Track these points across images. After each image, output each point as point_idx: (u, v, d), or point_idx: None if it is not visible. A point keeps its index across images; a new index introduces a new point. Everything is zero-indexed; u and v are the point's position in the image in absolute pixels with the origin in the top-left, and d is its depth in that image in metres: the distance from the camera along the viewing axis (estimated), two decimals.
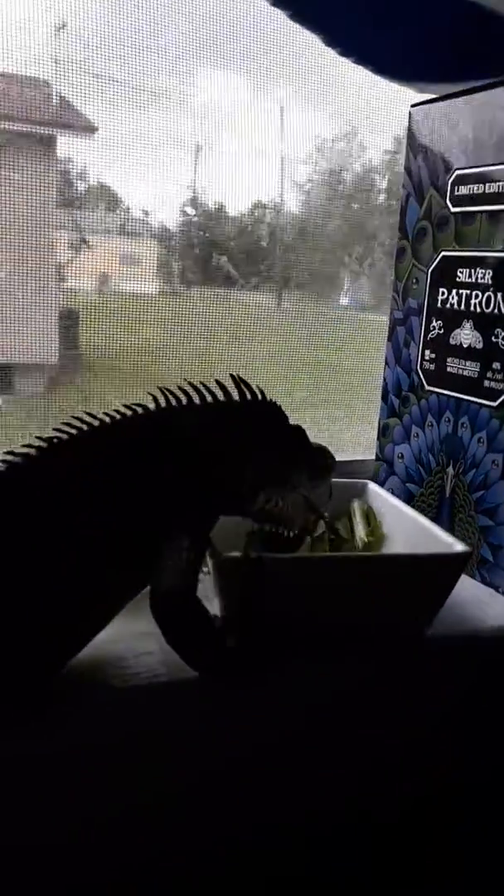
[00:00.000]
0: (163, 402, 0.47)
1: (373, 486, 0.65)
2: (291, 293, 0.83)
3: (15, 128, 0.65)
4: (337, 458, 0.78)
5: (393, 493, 0.71)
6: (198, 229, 0.75)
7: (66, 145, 0.68)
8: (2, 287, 0.68)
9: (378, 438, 0.75)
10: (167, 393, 0.47)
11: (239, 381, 0.49)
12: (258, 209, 0.79)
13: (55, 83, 0.65)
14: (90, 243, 0.73)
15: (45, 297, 0.71)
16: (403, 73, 0.64)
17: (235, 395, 0.50)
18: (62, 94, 0.66)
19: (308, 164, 0.81)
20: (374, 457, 0.76)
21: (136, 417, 0.45)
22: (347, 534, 0.63)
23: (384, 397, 0.73)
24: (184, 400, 0.48)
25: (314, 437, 0.54)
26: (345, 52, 0.62)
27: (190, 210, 0.74)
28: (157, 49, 0.67)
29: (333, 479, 0.65)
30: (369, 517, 0.63)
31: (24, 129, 0.65)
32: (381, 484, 0.74)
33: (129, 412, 0.45)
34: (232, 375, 0.50)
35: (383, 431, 0.74)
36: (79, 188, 0.71)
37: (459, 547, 0.51)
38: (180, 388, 0.48)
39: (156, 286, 0.76)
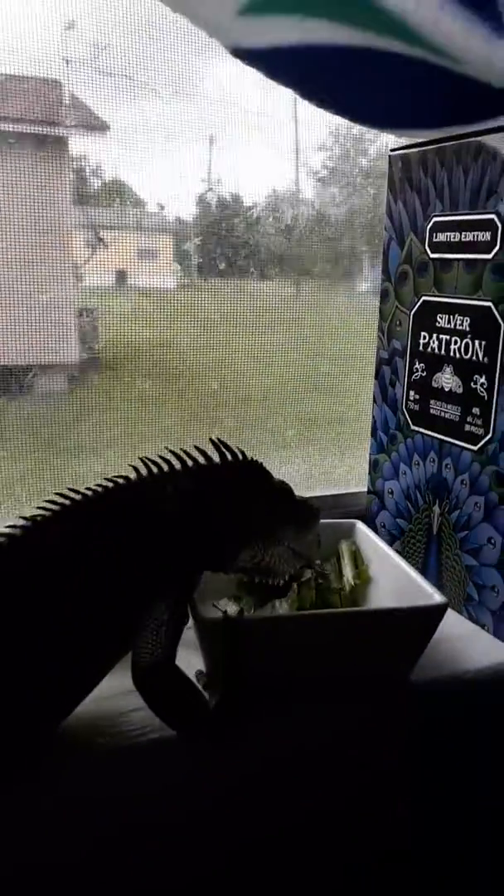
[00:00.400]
0: (144, 472, 0.49)
1: (361, 527, 0.67)
2: (310, 282, 0.84)
3: (28, 129, 0.66)
4: (334, 492, 0.80)
5: (385, 527, 0.73)
6: (214, 221, 0.76)
7: (79, 144, 0.69)
8: (20, 288, 0.69)
9: (369, 472, 0.76)
10: (148, 462, 0.49)
11: (219, 444, 0.51)
12: (274, 198, 0.80)
13: (66, 82, 0.66)
14: (107, 240, 0.74)
15: (64, 296, 0.73)
16: (381, 124, 0.65)
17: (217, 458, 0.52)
18: (74, 93, 0.67)
19: (323, 150, 0.82)
20: (366, 489, 0.78)
21: (115, 490, 0.47)
22: (336, 574, 0.65)
23: (373, 433, 0.75)
24: (165, 467, 0.50)
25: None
26: (321, 105, 0.63)
27: (205, 202, 0.76)
28: (167, 43, 0.67)
29: (323, 520, 0.67)
30: (357, 559, 0.65)
31: (37, 130, 0.66)
32: (374, 517, 0.76)
33: (110, 485, 0.48)
34: (212, 439, 0.52)
35: (374, 466, 0.75)
36: (93, 186, 0.72)
37: (438, 598, 0.52)
38: (161, 457, 0.50)
39: (174, 280, 0.77)
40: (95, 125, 0.70)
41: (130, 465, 0.49)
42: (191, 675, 0.51)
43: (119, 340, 0.76)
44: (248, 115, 0.74)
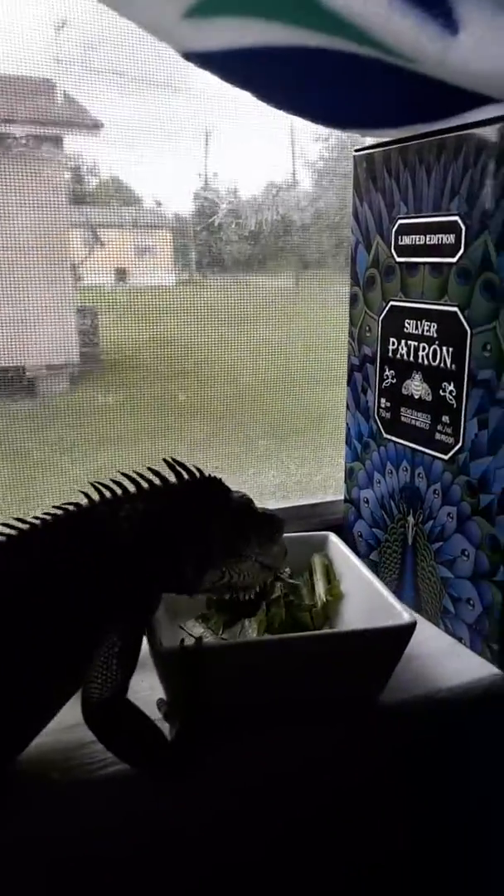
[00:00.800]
0: (96, 497, 0.48)
1: (333, 539, 0.65)
2: (308, 274, 0.82)
3: (21, 130, 0.65)
4: (311, 501, 0.78)
5: (362, 536, 0.71)
6: (211, 215, 0.74)
7: (74, 143, 0.69)
8: (20, 289, 0.68)
9: (345, 480, 0.74)
10: (100, 487, 0.48)
11: (173, 464, 0.50)
12: (271, 190, 0.78)
13: (59, 81, 0.65)
14: (105, 238, 0.73)
15: (63, 296, 0.72)
16: (341, 124, 0.63)
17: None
18: (67, 92, 0.66)
19: (319, 141, 0.80)
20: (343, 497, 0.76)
21: (64, 518, 0.46)
22: (308, 589, 0.63)
23: (348, 441, 0.73)
24: (119, 491, 0.48)
25: None
26: (278, 106, 0.61)
27: (202, 196, 0.74)
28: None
29: (297, 533, 0.66)
30: (329, 573, 0.63)
31: (30, 130, 0.66)
32: (351, 527, 0.74)
33: (59, 512, 0.46)
34: (165, 459, 0.50)
35: (349, 474, 0.73)
36: (90, 184, 0.71)
37: (406, 617, 0.51)
38: (113, 481, 0.48)
39: (173, 276, 0.76)
40: (89, 123, 0.69)
41: (81, 491, 0.48)
42: (153, 703, 0.50)
43: (119, 339, 0.74)
44: (242, 106, 0.72)
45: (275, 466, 0.81)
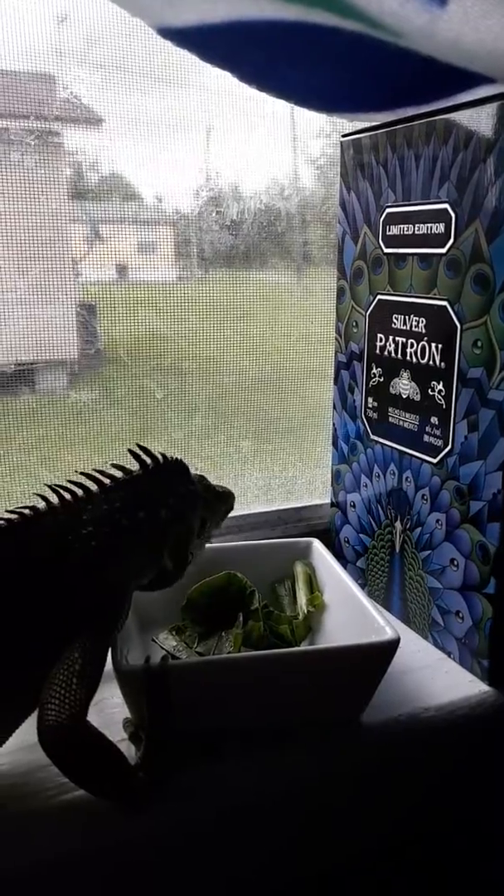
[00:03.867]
0: (54, 500, 0.44)
1: (317, 546, 0.62)
2: (310, 269, 0.79)
3: (21, 125, 0.64)
4: (296, 505, 0.75)
5: (350, 542, 0.68)
6: (213, 211, 0.71)
7: (74, 138, 0.67)
8: (19, 286, 0.66)
9: (332, 484, 0.71)
10: (58, 490, 0.44)
11: (137, 453, 0.48)
12: (274, 186, 0.75)
13: (60, 76, 0.63)
14: (106, 234, 0.71)
15: (63, 292, 0.70)
16: (326, 106, 0.60)
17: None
18: (68, 87, 0.64)
19: (321, 137, 0.77)
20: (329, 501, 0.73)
21: (18, 524, 0.42)
22: (290, 599, 0.60)
23: (334, 442, 0.70)
24: (80, 492, 0.45)
25: None
26: (260, 88, 0.57)
27: (204, 193, 0.71)
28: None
29: (280, 539, 0.63)
30: (312, 582, 0.60)
31: (31, 125, 0.64)
32: (338, 531, 0.71)
33: (13, 517, 0.43)
34: (130, 449, 0.47)
35: (336, 477, 0.70)
36: (90, 180, 0.69)
37: (389, 633, 0.47)
38: (71, 482, 0.45)
39: (175, 272, 0.74)
40: (90, 119, 0.67)
41: (36, 494, 0.44)
42: (121, 720, 0.47)
43: (118, 334, 0.72)
44: (244, 102, 0.70)
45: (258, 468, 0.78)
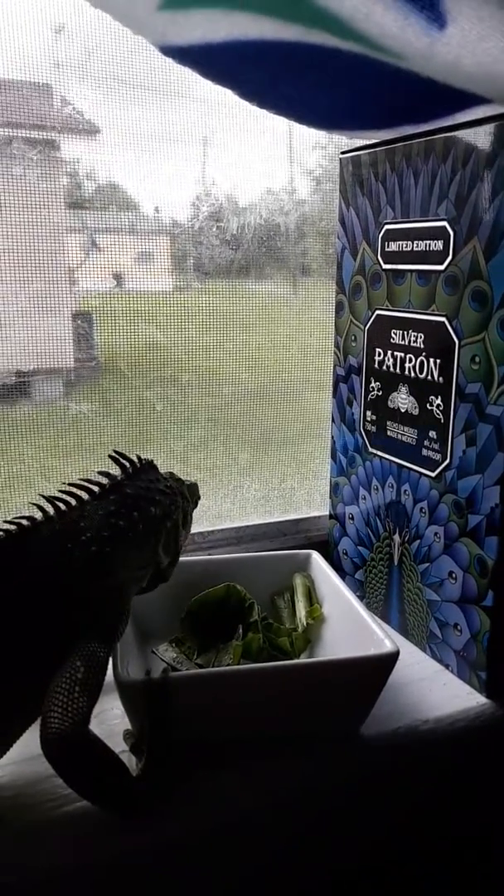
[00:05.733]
0: (50, 510, 0.45)
1: (316, 558, 0.62)
2: (309, 282, 0.80)
3: (19, 134, 0.64)
4: (295, 517, 0.76)
5: (348, 555, 0.68)
6: (210, 222, 0.72)
7: (71, 148, 0.68)
8: (16, 296, 0.67)
9: (330, 496, 0.72)
10: (53, 500, 0.45)
11: (117, 458, 0.50)
12: (269, 197, 0.76)
13: (57, 86, 0.64)
14: (102, 244, 0.72)
15: (60, 302, 0.70)
16: (326, 124, 0.61)
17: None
18: (64, 97, 0.65)
19: (317, 149, 0.78)
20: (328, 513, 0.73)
21: (16, 535, 0.43)
22: (289, 612, 0.60)
23: (333, 455, 0.70)
24: (73, 502, 0.46)
25: None
26: (260, 105, 0.58)
27: (201, 203, 0.72)
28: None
29: (279, 552, 0.64)
30: (311, 595, 0.60)
31: (28, 134, 0.64)
32: (336, 543, 0.71)
33: (12, 528, 0.43)
34: (110, 455, 0.49)
35: (334, 489, 0.71)
36: (87, 190, 0.70)
37: (388, 646, 0.48)
38: (62, 492, 0.46)
39: (171, 282, 0.74)
40: (86, 129, 0.67)
41: (32, 504, 0.45)
42: (122, 732, 0.47)
43: (114, 344, 0.72)
44: (241, 114, 0.71)
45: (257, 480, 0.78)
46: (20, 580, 0.42)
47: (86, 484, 0.47)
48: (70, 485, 0.47)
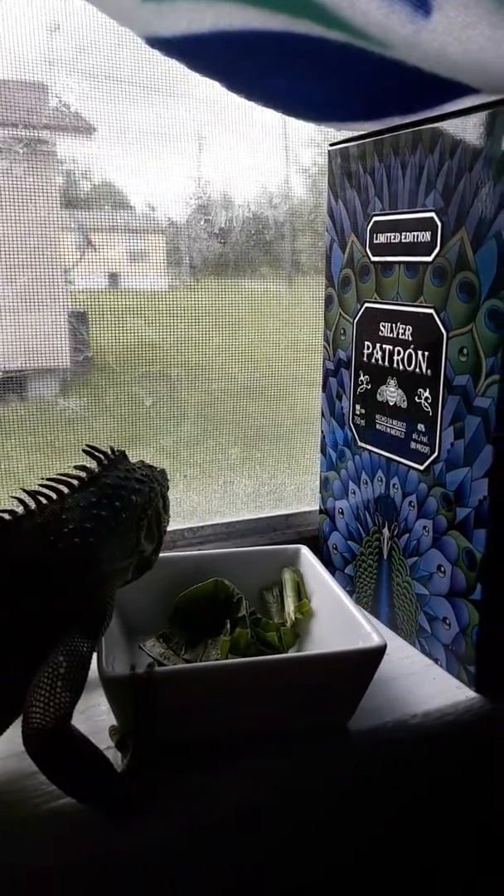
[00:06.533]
0: (31, 503, 0.45)
1: (305, 553, 0.62)
2: (301, 278, 0.79)
3: (12, 133, 0.64)
4: (285, 512, 0.75)
5: (338, 549, 0.68)
6: (205, 220, 0.72)
7: (66, 147, 0.67)
8: (9, 293, 0.66)
9: (320, 491, 0.71)
10: (33, 494, 0.45)
11: (91, 451, 0.49)
12: (265, 195, 0.75)
13: (51, 85, 0.64)
14: (97, 242, 0.71)
15: (54, 300, 0.70)
16: (315, 115, 0.60)
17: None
18: (59, 96, 0.65)
19: (311, 146, 0.77)
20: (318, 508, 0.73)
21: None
22: (278, 606, 0.60)
23: (322, 449, 0.70)
24: (53, 495, 0.46)
25: None
26: (248, 97, 0.58)
27: (196, 202, 0.72)
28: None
29: (268, 546, 0.63)
30: (300, 590, 0.60)
31: (22, 133, 0.64)
32: (326, 538, 0.71)
33: None
34: (84, 449, 0.49)
35: (324, 484, 0.70)
36: (82, 188, 0.69)
37: (376, 640, 0.47)
38: (43, 486, 0.46)
39: (166, 281, 0.74)
40: (81, 127, 0.67)
41: (14, 497, 0.44)
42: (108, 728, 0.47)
43: (109, 343, 0.72)
44: (236, 111, 0.71)
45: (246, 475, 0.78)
46: (2, 574, 0.41)
47: (64, 478, 0.47)
48: (48, 479, 0.46)
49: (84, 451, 0.49)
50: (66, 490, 0.46)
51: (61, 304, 0.70)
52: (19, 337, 0.68)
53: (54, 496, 0.45)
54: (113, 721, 0.47)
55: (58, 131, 0.67)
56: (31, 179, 0.65)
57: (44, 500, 0.45)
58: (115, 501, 0.46)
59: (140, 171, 0.69)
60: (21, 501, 0.45)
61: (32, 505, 0.45)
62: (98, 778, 0.40)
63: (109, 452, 0.50)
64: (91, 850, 0.42)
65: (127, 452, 0.52)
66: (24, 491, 0.45)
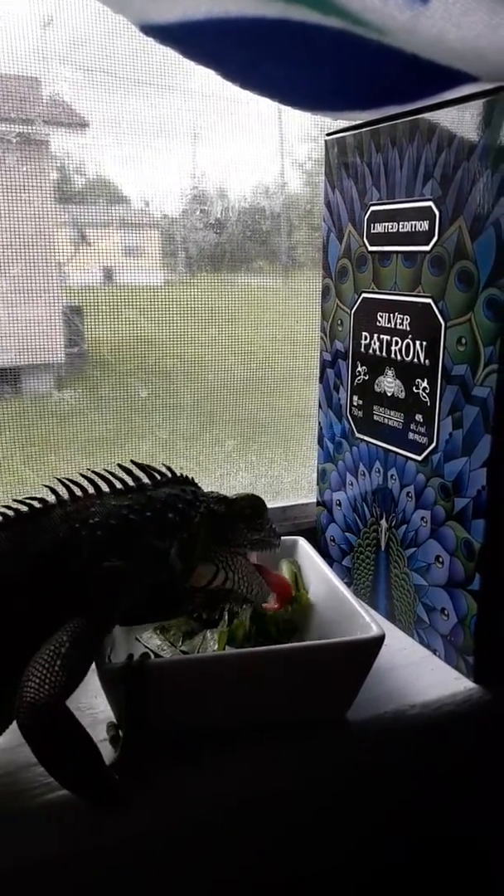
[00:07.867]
0: (64, 493, 0.45)
1: (303, 544, 0.62)
2: (297, 273, 0.79)
3: (6, 128, 0.63)
4: (282, 504, 0.75)
5: (335, 541, 0.68)
6: (200, 215, 0.71)
7: (59, 142, 0.67)
8: (4, 288, 0.66)
9: (317, 483, 0.71)
10: (68, 483, 0.45)
11: (144, 465, 0.49)
12: (260, 190, 0.75)
13: (44, 79, 0.63)
14: (92, 238, 0.71)
15: (49, 295, 0.70)
16: (311, 104, 0.60)
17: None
18: (53, 90, 0.64)
19: (307, 141, 0.77)
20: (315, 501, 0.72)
21: (26, 515, 0.43)
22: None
23: (320, 441, 0.70)
24: (90, 489, 0.47)
25: None
26: (244, 85, 0.57)
27: (191, 196, 0.71)
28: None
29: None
30: (298, 581, 0.59)
31: (16, 128, 0.64)
32: (324, 530, 0.71)
33: (23, 508, 0.43)
34: (133, 461, 0.49)
35: (321, 476, 0.70)
36: (76, 183, 0.69)
37: (374, 630, 0.47)
38: (82, 476, 0.46)
39: (161, 276, 0.74)
40: (75, 121, 0.66)
41: (46, 486, 0.45)
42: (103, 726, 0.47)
43: (104, 339, 0.71)
44: (231, 106, 0.70)
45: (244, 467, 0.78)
46: (26, 558, 0.42)
47: (108, 476, 0.47)
48: (93, 472, 0.47)
49: (134, 464, 0.49)
50: (106, 488, 0.47)
51: (56, 298, 0.70)
52: (14, 331, 0.68)
53: (91, 490, 0.46)
54: (111, 717, 0.47)
55: (51, 125, 0.66)
56: (25, 173, 0.65)
57: (78, 491, 0.46)
58: (148, 511, 0.46)
59: (135, 163, 0.69)
60: (53, 491, 0.46)
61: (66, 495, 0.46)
62: (83, 763, 0.39)
63: (168, 472, 0.50)
64: (88, 842, 0.42)
65: (197, 480, 0.51)
66: (60, 480, 0.46)
